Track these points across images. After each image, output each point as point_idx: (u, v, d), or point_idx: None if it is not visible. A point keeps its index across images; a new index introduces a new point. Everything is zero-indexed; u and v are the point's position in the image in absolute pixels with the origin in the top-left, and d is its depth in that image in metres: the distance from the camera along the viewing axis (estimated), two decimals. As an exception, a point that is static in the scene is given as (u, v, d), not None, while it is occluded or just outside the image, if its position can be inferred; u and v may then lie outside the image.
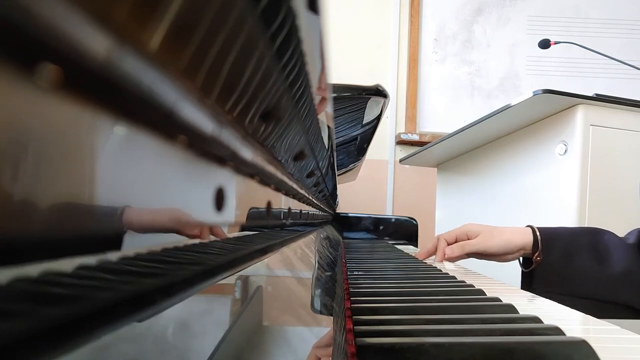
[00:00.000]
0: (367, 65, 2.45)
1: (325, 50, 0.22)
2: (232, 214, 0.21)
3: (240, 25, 0.14)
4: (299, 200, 0.50)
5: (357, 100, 0.89)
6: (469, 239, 0.85)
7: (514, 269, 0.86)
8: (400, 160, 1.80)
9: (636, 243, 0.78)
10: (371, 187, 2.41)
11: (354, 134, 1.08)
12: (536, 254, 0.80)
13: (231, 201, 0.21)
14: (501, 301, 0.42)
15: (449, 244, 0.87)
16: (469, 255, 0.84)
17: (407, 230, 1.48)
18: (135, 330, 0.13)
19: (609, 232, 0.82)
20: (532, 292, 0.60)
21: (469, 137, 1.38)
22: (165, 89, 0.12)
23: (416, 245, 1.43)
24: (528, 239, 0.82)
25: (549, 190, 1.20)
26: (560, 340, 0.29)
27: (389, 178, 2.45)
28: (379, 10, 2.48)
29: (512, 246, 0.81)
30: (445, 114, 2.48)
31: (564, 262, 0.77)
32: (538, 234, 0.82)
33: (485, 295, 0.46)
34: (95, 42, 0.08)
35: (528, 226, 0.85)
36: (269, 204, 0.31)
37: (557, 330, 0.31)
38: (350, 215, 1.47)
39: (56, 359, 0.09)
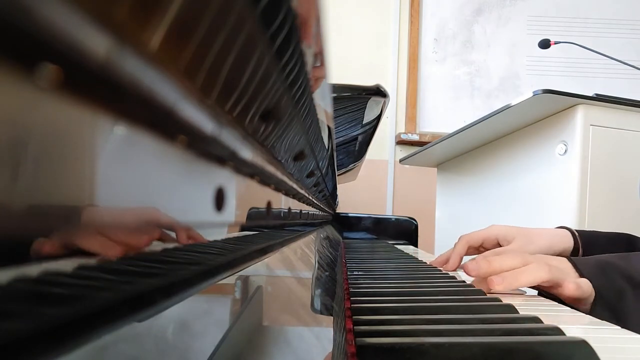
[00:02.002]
0: (367, 65, 2.45)
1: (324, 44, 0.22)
2: (232, 214, 0.21)
3: (240, 25, 0.14)
4: (299, 200, 0.50)
5: (357, 100, 0.90)
6: (499, 244, 0.75)
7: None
8: (400, 160, 1.80)
9: None
10: (371, 187, 2.41)
11: (354, 134, 1.09)
12: None
13: (231, 201, 0.21)
14: (501, 301, 0.42)
15: (473, 248, 0.77)
16: None
17: (407, 230, 1.48)
18: (135, 330, 0.13)
19: (638, 237, 0.74)
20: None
21: (469, 137, 1.38)
22: (165, 89, 0.12)
23: (416, 245, 1.43)
24: (568, 244, 0.72)
25: (549, 190, 1.20)
26: (560, 340, 0.29)
27: (389, 178, 2.45)
28: (379, 10, 2.48)
29: (552, 252, 0.70)
30: (445, 114, 2.48)
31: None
32: (579, 238, 0.72)
33: (485, 295, 0.46)
34: (95, 42, 0.08)
35: (563, 227, 0.75)
36: (269, 204, 0.31)
37: (557, 330, 0.31)
38: (350, 215, 1.47)
39: (56, 359, 0.09)
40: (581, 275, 0.55)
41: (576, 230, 0.74)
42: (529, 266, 0.54)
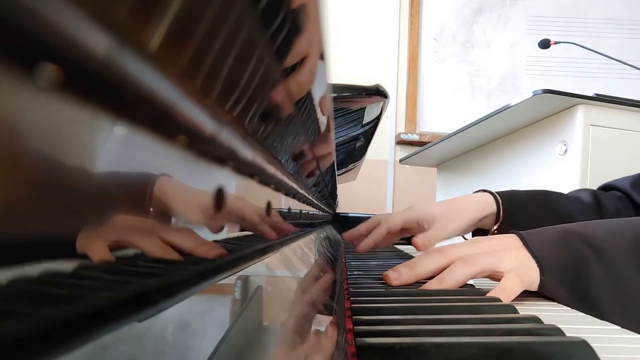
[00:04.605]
0: (367, 65, 2.45)
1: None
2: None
3: (240, 25, 0.14)
4: (299, 200, 0.50)
5: (357, 100, 0.90)
6: (420, 225, 0.73)
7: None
8: (400, 160, 1.80)
9: (592, 203, 0.72)
10: (371, 187, 2.41)
11: (354, 134, 1.09)
12: (497, 224, 0.71)
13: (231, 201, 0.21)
14: (501, 301, 0.42)
15: (392, 233, 0.74)
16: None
17: (407, 230, 1.47)
18: (135, 330, 0.13)
19: (557, 193, 0.76)
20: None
21: (469, 137, 1.38)
22: (165, 89, 0.12)
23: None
24: (491, 208, 0.72)
25: (549, 190, 1.20)
26: (560, 341, 0.29)
27: (389, 178, 2.45)
28: (379, 10, 2.48)
29: (475, 221, 0.71)
30: (445, 114, 2.48)
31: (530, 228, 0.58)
32: (500, 200, 0.71)
33: (485, 295, 0.46)
34: (95, 42, 0.08)
35: (482, 191, 0.75)
36: (269, 204, 0.31)
37: (557, 330, 0.31)
38: (350, 215, 1.47)
39: (56, 359, 0.09)
40: (530, 251, 0.50)
41: (497, 193, 0.73)
42: (455, 265, 0.50)
